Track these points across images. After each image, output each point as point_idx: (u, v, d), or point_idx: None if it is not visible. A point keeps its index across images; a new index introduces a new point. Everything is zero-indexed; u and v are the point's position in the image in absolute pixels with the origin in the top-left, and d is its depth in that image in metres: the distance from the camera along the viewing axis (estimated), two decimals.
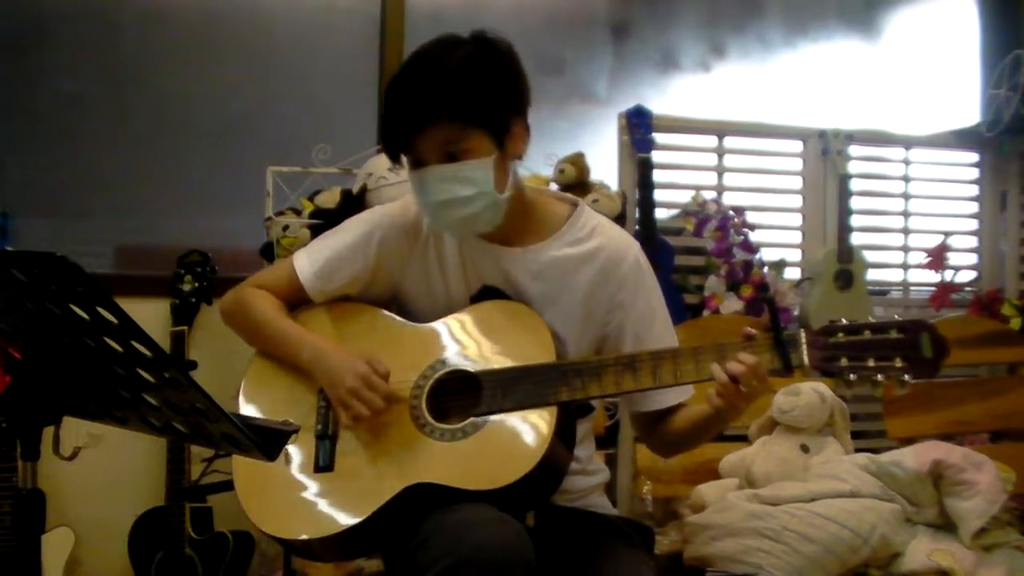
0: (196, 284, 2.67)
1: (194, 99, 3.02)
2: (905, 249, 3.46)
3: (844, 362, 1.51)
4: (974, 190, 3.52)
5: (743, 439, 2.63)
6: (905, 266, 3.47)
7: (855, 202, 3.18)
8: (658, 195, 3.01)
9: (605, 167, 3.04)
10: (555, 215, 1.76)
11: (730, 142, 3.21)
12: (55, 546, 2.46)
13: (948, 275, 3.36)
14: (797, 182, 3.29)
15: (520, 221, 1.71)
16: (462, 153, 1.59)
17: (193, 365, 2.61)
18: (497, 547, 1.41)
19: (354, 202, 2.56)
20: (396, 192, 2.42)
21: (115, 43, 2.99)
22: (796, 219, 3.30)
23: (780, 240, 3.28)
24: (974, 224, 3.52)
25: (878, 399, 2.91)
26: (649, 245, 2.79)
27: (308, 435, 1.65)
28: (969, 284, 3.46)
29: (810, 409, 2.47)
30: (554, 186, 2.79)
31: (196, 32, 3.04)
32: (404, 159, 1.65)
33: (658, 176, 3.02)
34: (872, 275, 3.24)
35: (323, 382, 1.66)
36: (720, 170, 3.20)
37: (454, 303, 1.73)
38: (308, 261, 1.77)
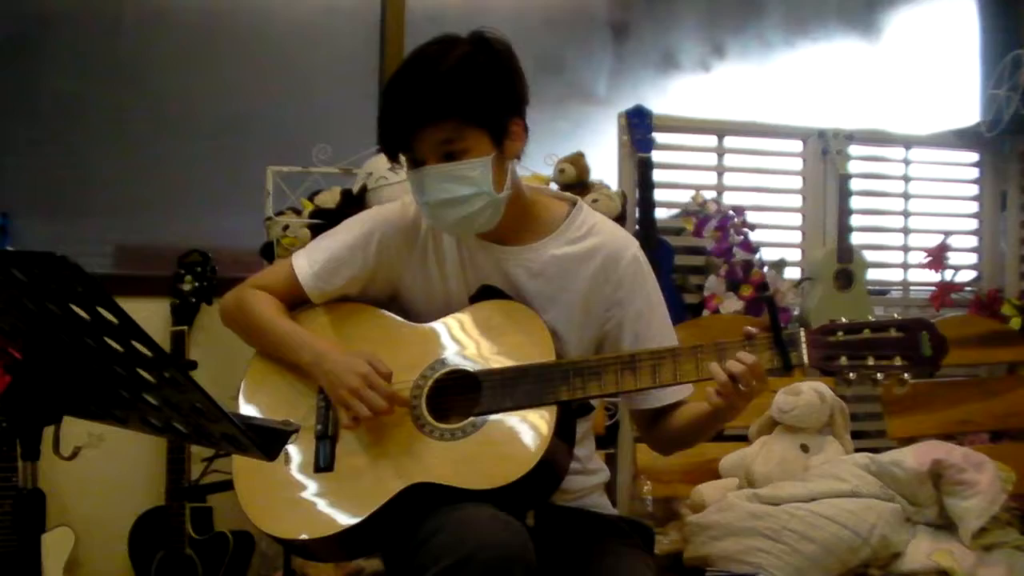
0: (196, 284, 2.67)
1: (194, 99, 3.02)
2: (905, 249, 3.46)
3: (844, 361, 1.51)
4: (974, 190, 3.52)
5: (743, 439, 2.63)
6: (905, 266, 3.47)
7: (855, 202, 3.18)
8: (658, 195, 3.01)
9: (605, 167, 3.04)
10: (554, 214, 1.76)
11: (730, 142, 3.21)
12: (55, 546, 2.46)
13: (948, 275, 3.36)
14: (797, 182, 3.29)
15: (519, 220, 1.71)
16: (460, 152, 1.60)
17: (193, 365, 2.61)
18: (497, 546, 1.41)
19: (354, 202, 2.56)
20: (396, 192, 2.42)
21: (115, 43, 2.98)
22: (796, 219, 3.30)
23: (780, 240, 3.28)
24: (974, 224, 3.52)
25: (878, 399, 2.92)
26: (649, 245, 2.80)
27: (308, 435, 1.65)
28: (969, 284, 3.46)
29: (810, 409, 2.47)
30: (554, 186, 2.78)
31: (196, 32, 3.04)
32: (402, 159, 1.66)
33: (658, 176, 3.02)
34: (872, 275, 3.24)
35: (324, 382, 1.66)
36: (720, 170, 3.20)
37: (453, 303, 1.73)
38: (307, 261, 1.77)
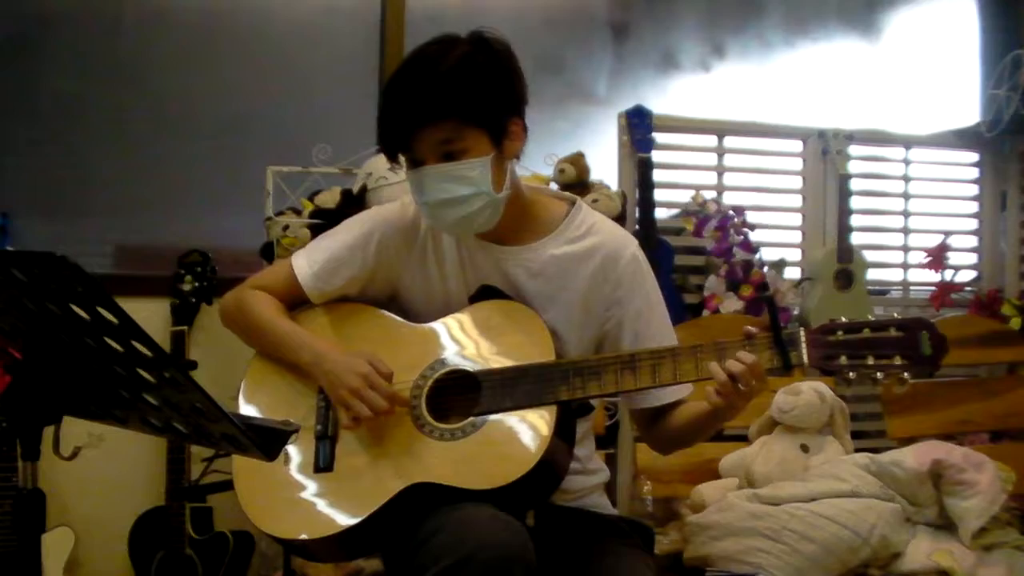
0: (196, 284, 2.67)
1: (194, 99, 3.02)
2: (905, 249, 3.46)
3: (843, 360, 1.51)
4: (974, 190, 3.52)
5: (743, 439, 2.63)
6: (905, 266, 3.47)
7: (855, 202, 3.18)
8: (658, 195, 3.01)
9: (605, 167, 3.04)
10: (553, 213, 1.76)
11: (730, 142, 3.21)
12: (55, 546, 2.46)
13: (948, 275, 3.36)
14: (797, 182, 3.29)
15: (518, 220, 1.71)
16: (459, 152, 1.60)
17: (193, 365, 2.61)
18: (497, 546, 1.41)
19: (354, 202, 2.56)
20: (396, 192, 2.42)
21: (115, 43, 2.99)
22: (796, 219, 3.30)
23: (780, 240, 3.28)
24: (974, 224, 3.52)
25: (878, 399, 2.91)
26: (649, 245, 2.80)
27: (308, 435, 1.65)
28: (969, 284, 3.46)
29: (810, 409, 2.47)
30: (554, 186, 2.79)
31: (196, 32, 3.04)
32: (402, 159, 1.66)
33: (658, 176, 3.02)
34: (872, 275, 3.24)
35: (324, 382, 1.66)
36: (720, 170, 3.20)
37: (453, 303, 1.73)
38: (307, 262, 1.77)
